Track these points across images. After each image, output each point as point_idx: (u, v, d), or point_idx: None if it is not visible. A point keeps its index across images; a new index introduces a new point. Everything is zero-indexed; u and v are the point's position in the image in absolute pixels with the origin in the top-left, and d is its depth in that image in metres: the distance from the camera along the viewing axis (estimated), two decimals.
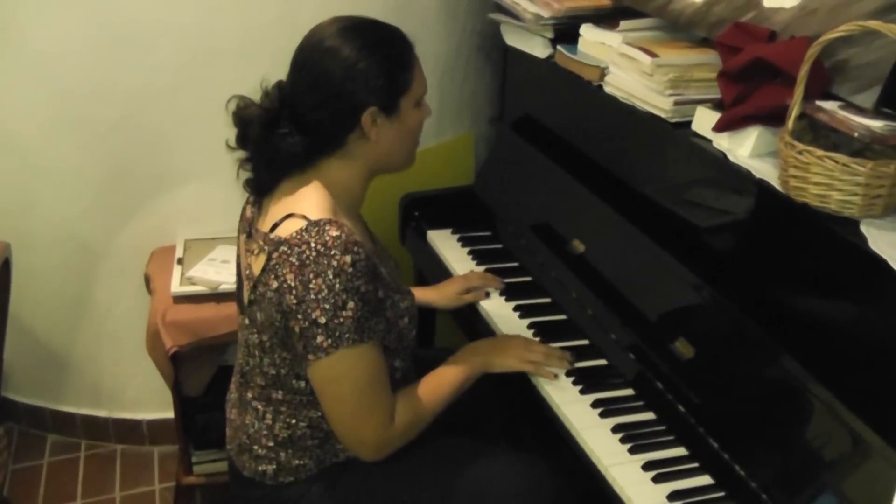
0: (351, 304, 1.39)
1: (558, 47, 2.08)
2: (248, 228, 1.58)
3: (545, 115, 2.25)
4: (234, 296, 1.67)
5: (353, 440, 1.51)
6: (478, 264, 2.14)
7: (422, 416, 1.56)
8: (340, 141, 1.49)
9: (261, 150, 1.50)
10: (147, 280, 2.36)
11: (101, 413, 2.66)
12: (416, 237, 2.34)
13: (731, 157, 1.59)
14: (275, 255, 1.42)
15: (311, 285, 1.37)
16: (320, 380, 1.46)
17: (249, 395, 1.60)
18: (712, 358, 1.58)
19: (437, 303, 2.00)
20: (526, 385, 1.73)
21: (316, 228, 1.39)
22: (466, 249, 2.21)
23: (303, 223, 1.41)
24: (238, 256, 1.65)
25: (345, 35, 1.45)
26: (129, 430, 2.67)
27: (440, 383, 1.61)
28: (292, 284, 1.39)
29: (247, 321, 1.54)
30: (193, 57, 2.25)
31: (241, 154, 1.53)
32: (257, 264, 1.47)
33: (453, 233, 2.29)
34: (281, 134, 1.47)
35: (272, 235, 1.45)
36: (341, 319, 1.38)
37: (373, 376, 1.46)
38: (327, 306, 1.38)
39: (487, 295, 1.99)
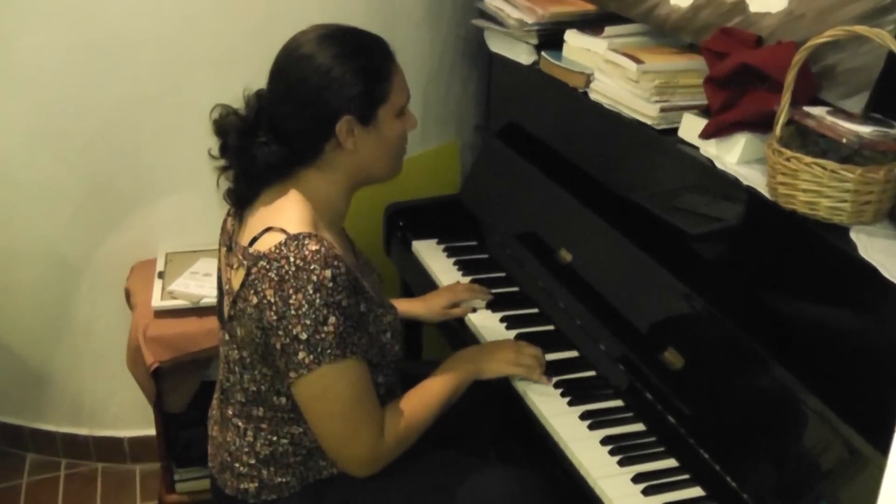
0: (332, 320, 1.38)
1: (543, 54, 2.08)
2: (228, 242, 1.57)
3: (531, 122, 2.25)
4: (216, 310, 1.67)
5: (343, 457, 1.50)
6: (464, 275, 2.13)
7: (412, 429, 1.55)
8: (317, 150, 1.49)
9: (239, 160, 1.50)
10: (127, 294, 2.35)
11: (82, 431, 2.64)
12: (401, 248, 2.34)
13: (718, 165, 1.59)
14: (254, 270, 1.41)
15: (290, 301, 1.37)
16: (305, 397, 1.45)
17: (230, 411, 1.59)
18: (702, 368, 1.58)
19: (423, 316, 1.99)
20: (513, 397, 1.72)
21: (295, 243, 1.39)
22: (452, 260, 2.20)
23: (282, 237, 1.40)
24: (219, 270, 1.64)
25: (321, 42, 1.46)
26: (110, 448, 2.64)
27: (429, 394, 1.60)
28: (272, 300, 1.38)
29: (227, 336, 1.53)
30: (174, 67, 2.24)
31: (222, 164, 1.53)
32: (237, 279, 1.47)
33: (439, 243, 2.28)
34: (259, 143, 1.47)
35: (251, 250, 1.44)
36: (323, 335, 1.38)
37: (358, 391, 1.45)
38: (308, 322, 1.37)
39: (474, 310, 1.98)
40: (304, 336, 1.38)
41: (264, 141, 1.47)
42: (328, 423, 1.46)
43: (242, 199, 1.55)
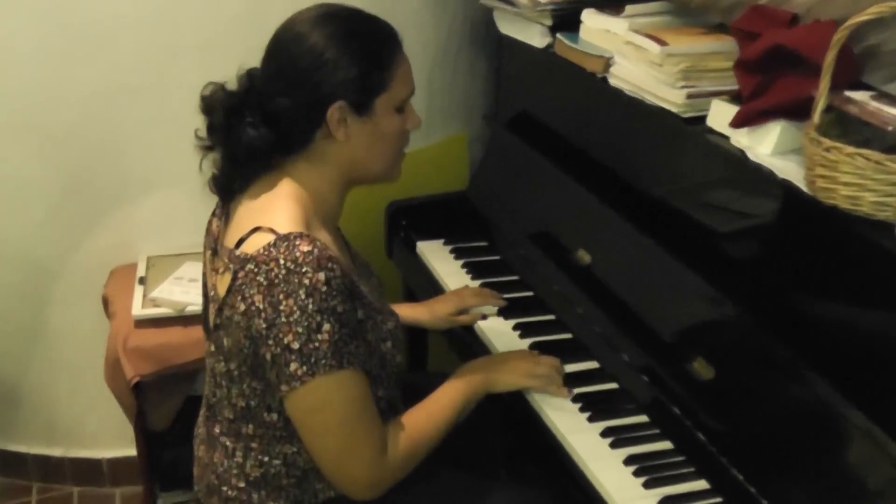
0: (327, 327, 1.38)
1: (557, 36, 2.08)
2: (213, 244, 1.57)
3: (544, 111, 2.25)
4: (201, 318, 1.67)
5: (342, 479, 1.49)
6: (473, 278, 2.13)
7: (419, 446, 1.55)
8: (306, 137, 1.49)
9: (224, 141, 1.51)
10: (105, 302, 2.35)
11: (56, 452, 2.64)
12: (404, 249, 2.34)
13: (750, 156, 1.59)
14: (241, 273, 1.41)
15: (281, 307, 1.37)
16: (298, 412, 1.45)
17: (217, 429, 1.59)
18: (735, 379, 1.58)
19: (428, 323, 2.00)
20: (527, 412, 1.72)
21: (285, 244, 1.39)
22: (460, 262, 2.21)
23: (271, 238, 1.40)
24: (204, 276, 1.64)
25: (320, 21, 1.47)
26: (87, 471, 2.65)
27: (437, 408, 1.60)
28: (261, 307, 1.38)
29: (213, 347, 1.53)
30: (157, 54, 2.25)
31: (209, 159, 1.54)
32: (222, 284, 1.47)
33: (445, 244, 2.29)
34: (246, 123, 1.48)
35: (238, 252, 1.44)
36: (316, 344, 1.38)
37: (357, 405, 1.45)
38: (300, 329, 1.37)
39: (484, 317, 1.98)
40: (296, 345, 1.37)
41: (251, 122, 1.47)
42: (324, 440, 1.45)
43: (227, 187, 1.55)
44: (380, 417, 1.50)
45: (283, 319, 1.37)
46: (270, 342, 1.39)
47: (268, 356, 1.40)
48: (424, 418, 1.57)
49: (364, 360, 1.47)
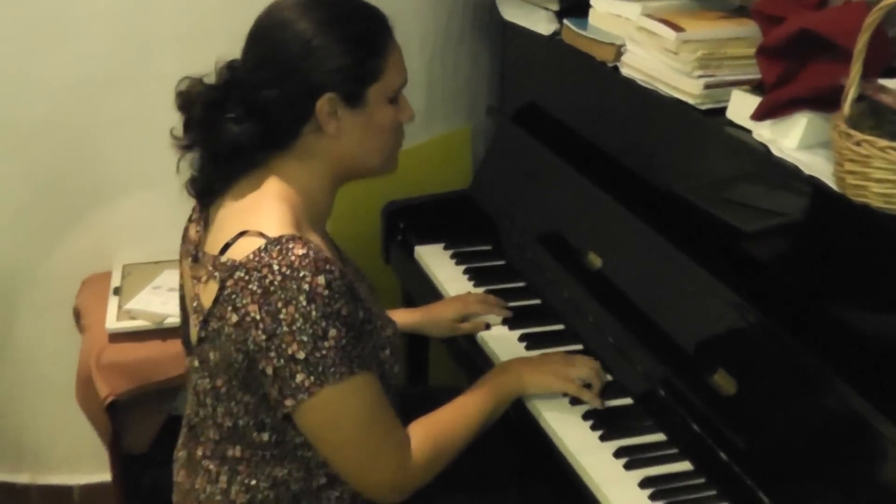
0: (333, 332, 1.38)
1: (565, 22, 2.09)
2: (193, 251, 1.57)
3: (552, 103, 2.26)
4: (181, 333, 1.67)
5: (366, 486, 1.51)
6: (476, 285, 2.14)
7: (444, 448, 1.56)
8: (294, 132, 1.49)
9: (204, 138, 1.51)
10: (77, 314, 2.36)
11: (22, 479, 2.64)
12: (402, 254, 2.34)
13: (774, 151, 1.58)
14: (229, 282, 1.41)
15: (281, 315, 1.37)
16: (312, 426, 1.45)
17: (200, 452, 1.58)
18: (759, 393, 1.57)
19: (427, 329, 2.01)
20: (534, 429, 1.72)
21: (277, 247, 1.39)
22: (462, 267, 2.21)
23: (260, 242, 1.40)
24: (181, 287, 1.64)
25: (306, 6, 1.47)
26: (57, 499, 2.64)
27: (464, 410, 1.62)
28: (258, 317, 1.38)
29: (196, 363, 1.53)
30: (131, 44, 2.25)
31: (187, 159, 1.54)
32: (207, 294, 1.46)
33: (446, 247, 2.29)
34: (227, 118, 1.48)
35: (223, 259, 1.44)
36: (324, 352, 1.38)
37: (374, 410, 1.47)
38: (305, 338, 1.37)
39: (487, 327, 1.99)
40: (301, 355, 1.37)
41: (233, 116, 1.47)
42: (345, 451, 1.47)
43: (207, 189, 1.55)
44: (397, 418, 1.52)
45: (285, 329, 1.37)
46: (272, 354, 1.39)
47: (269, 370, 1.40)
48: (451, 419, 1.59)
49: (369, 361, 1.48)
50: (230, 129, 1.47)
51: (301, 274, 1.36)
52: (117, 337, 2.18)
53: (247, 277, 1.38)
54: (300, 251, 1.38)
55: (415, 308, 2.06)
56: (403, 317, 1.95)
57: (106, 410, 2.13)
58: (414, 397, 1.74)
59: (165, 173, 1.55)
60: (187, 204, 1.62)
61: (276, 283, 1.37)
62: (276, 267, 1.37)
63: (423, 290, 2.22)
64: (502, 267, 2.21)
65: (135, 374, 2.14)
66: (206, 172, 1.54)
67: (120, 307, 2.23)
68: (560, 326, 1.98)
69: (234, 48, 1.53)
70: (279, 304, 1.36)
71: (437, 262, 2.24)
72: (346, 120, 1.49)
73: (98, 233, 2.41)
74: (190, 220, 1.63)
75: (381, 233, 2.42)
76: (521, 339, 1.94)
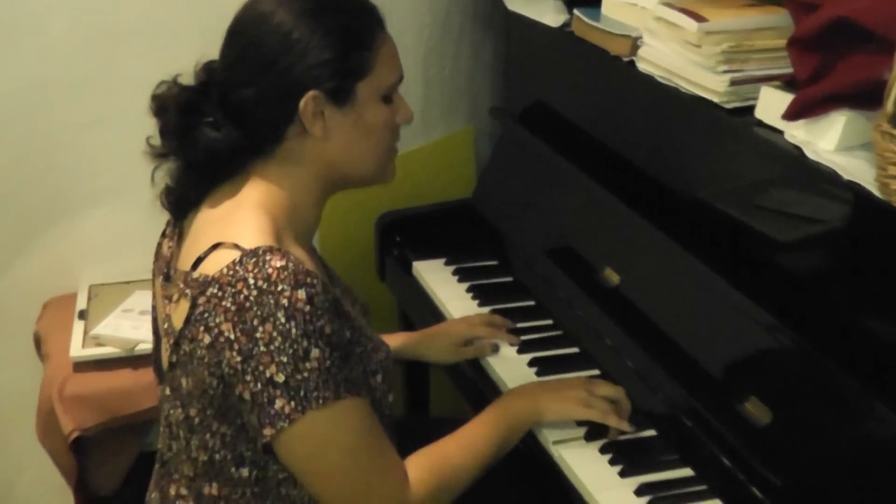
0: (315, 353, 1.38)
1: (575, 12, 2.10)
2: (165, 269, 1.57)
3: (562, 102, 2.26)
4: (152, 358, 1.68)
5: None
6: (480, 304, 2.14)
7: (450, 480, 1.56)
8: (276, 135, 1.50)
9: (180, 144, 1.51)
10: (38, 341, 2.36)
11: None
12: (398, 270, 2.34)
13: (809, 153, 1.58)
14: (201, 299, 1.40)
15: (257, 334, 1.36)
16: (293, 458, 1.45)
17: (173, 491, 1.59)
18: (797, 424, 1.57)
19: (427, 355, 2.01)
20: (547, 463, 1.72)
21: (253, 260, 1.38)
22: (465, 285, 2.22)
23: (235, 254, 1.40)
24: (154, 308, 1.64)
25: None
26: None
27: (471, 438, 1.62)
28: (232, 337, 1.38)
29: (168, 391, 1.53)
30: (96, 41, 2.26)
31: (163, 168, 1.55)
32: (178, 315, 1.46)
33: (448, 263, 2.30)
34: (204, 123, 1.48)
35: (195, 274, 1.44)
36: (305, 374, 1.37)
37: (364, 438, 1.46)
38: (284, 359, 1.36)
39: (496, 349, 1.98)
40: (280, 377, 1.37)
41: (211, 121, 1.48)
42: (333, 486, 1.46)
43: (182, 202, 1.56)
44: (393, 446, 1.51)
45: (262, 349, 1.36)
46: (248, 378, 1.38)
47: (246, 395, 1.40)
48: (457, 448, 1.59)
49: (359, 384, 1.48)
50: (207, 134, 1.48)
51: (279, 288, 1.36)
52: (83, 366, 2.18)
53: (220, 293, 1.38)
54: (278, 263, 1.37)
55: (413, 332, 2.06)
56: (400, 340, 1.96)
57: (70, 447, 2.13)
58: (413, 429, 1.74)
59: (135, 183, 1.56)
60: (160, 217, 1.62)
61: (251, 298, 1.36)
62: (251, 281, 1.37)
63: (422, 311, 2.22)
64: (510, 284, 2.22)
65: (102, 407, 2.14)
66: (181, 183, 1.55)
67: (86, 332, 2.24)
68: (574, 350, 1.98)
69: (209, 48, 1.53)
70: (255, 322, 1.36)
71: (437, 279, 2.24)
72: (334, 120, 1.49)
73: (61, 250, 2.41)
74: (163, 236, 1.63)
75: (374, 247, 2.42)
76: (531, 363, 1.94)
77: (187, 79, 1.53)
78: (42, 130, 2.30)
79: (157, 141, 1.53)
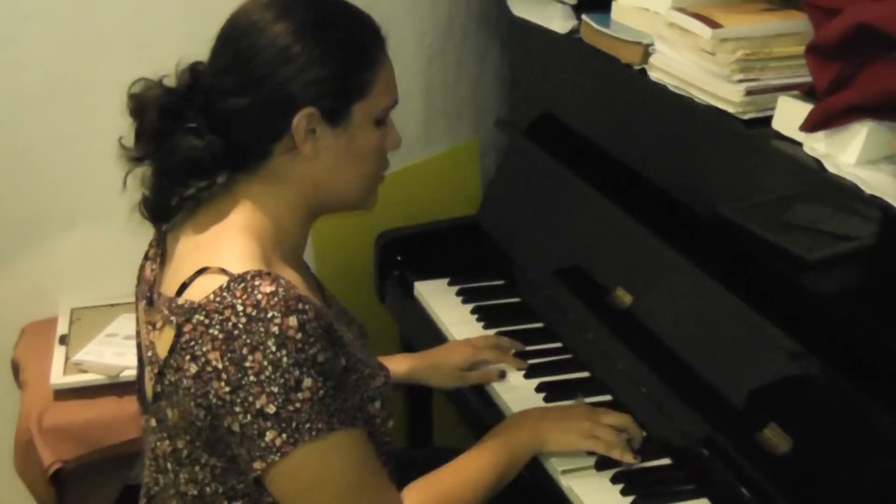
0: (307, 382, 1.38)
1: (584, 18, 2.10)
2: (148, 293, 1.57)
3: (570, 113, 2.26)
4: (136, 388, 1.68)
5: None
6: (486, 327, 2.14)
7: None
8: (263, 151, 1.50)
9: (156, 149, 1.50)
10: (15, 368, 2.36)
11: None
12: (399, 291, 2.35)
13: (829, 167, 1.59)
14: (187, 327, 1.41)
15: (246, 364, 1.36)
16: (285, 493, 1.45)
17: None
18: (818, 452, 1.57)
19: (429, 379, 2.01)
20: (554, 495, 1.72)
21: (242, 285, 1.39)
22: (470, 306, 2.22)
23: (222, 280, 1.40)
24: (137, 334, 1.64)
25: (288, 5, 1.48)
26: None
27: (469, 469, 1.62)
28: (220, 366, 1.38)
29: (153, 423, 1.54)
30: (74, 50, 2.26)
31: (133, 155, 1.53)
32: (163, 343, 1.46)
33: (451, 283, 2.30)
34: (186, 128, 1.48)
35: (180, 300, 1.44)
36: (297, 405, 1.38)
37: (359, 473, 1.46)
38: (275, 389, 1.37)
39: (503, 375, 1.99)
40: (271, 409, 1.37)
41: (194, 127, 1.48)
42: None
43: (161, 211, 1.55)
44: (390, 480, 1.52)
45: (252, 379, 1.36)
46: (237, 409, 1.38)
47: (235, 427, 1.40)
48: (456, 480, 1.60)
49: (354, 415, 1.48)
50: (188, 141, 1.47)
51: (269, 315, 1.36)
52: (64, 393, 2.17)
53: (207, 321, 1.38)
54: (268, 289, 1.38)
55: (414, 354, 2.06)
56: (401, 364, 1.96)
57: (50, 481, 2.13)
58: (414, 460, 1.75)
59: (118, 202, 1.53)
60: (144, 238, 1.62)
61: (240, 326, 1.36)
62: (240, 308, 1.37)
63: (423, 334, 2.22)
64: (516, 305, 2.21)
65: (84, 438, 2.14)
66: (157, 191, 1.53)
67: (67, 359, 2.23)
68: (584, 374, 1.98)
69: (191, 55, 1.52)
70: (244, 351, 1.36)
71: (440, 300, 2.25)
72: (325, 140, 1.50)
73: (40, 272, 2.41)
74: (146, 258, 1.63)
75: (374, 267, 2.43)
76: (539, 388, 1.94)
77: (171, 81, 1.51)
78: (18, 146, 2.30)
79: (130, 142, 1.51)
